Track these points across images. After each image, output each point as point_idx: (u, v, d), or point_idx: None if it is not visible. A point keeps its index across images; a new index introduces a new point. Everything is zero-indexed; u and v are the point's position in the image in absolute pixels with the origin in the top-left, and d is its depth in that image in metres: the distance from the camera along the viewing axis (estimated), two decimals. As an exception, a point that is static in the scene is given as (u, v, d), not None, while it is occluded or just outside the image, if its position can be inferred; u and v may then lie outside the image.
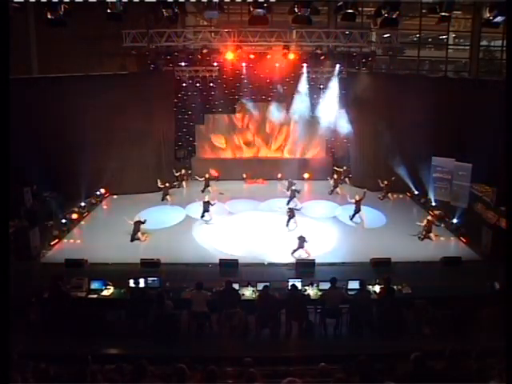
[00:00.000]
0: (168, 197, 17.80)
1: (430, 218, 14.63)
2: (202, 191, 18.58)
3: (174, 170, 19.57)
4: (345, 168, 19.93)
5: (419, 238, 14.06)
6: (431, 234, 14.08)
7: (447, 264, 12.21)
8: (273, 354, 8.17)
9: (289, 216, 14.78)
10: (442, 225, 14.99)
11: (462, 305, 8.90)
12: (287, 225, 14.71)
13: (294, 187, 17.41)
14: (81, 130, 16.92)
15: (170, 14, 10.81)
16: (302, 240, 12.63)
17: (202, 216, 15.66)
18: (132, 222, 13.95)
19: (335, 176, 19.21)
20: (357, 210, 15.47)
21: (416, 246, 13.63)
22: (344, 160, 21.25)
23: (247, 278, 10.47)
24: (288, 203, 16.32)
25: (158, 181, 17.91)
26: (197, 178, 19.40)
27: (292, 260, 12.35)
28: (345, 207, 16.45)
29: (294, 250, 12.64)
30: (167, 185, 18.01)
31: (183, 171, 19.99)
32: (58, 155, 16.59)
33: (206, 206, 15.55)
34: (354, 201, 15.53)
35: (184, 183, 19.92)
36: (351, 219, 15.58)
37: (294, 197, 16.96)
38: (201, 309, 8.79)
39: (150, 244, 13.77)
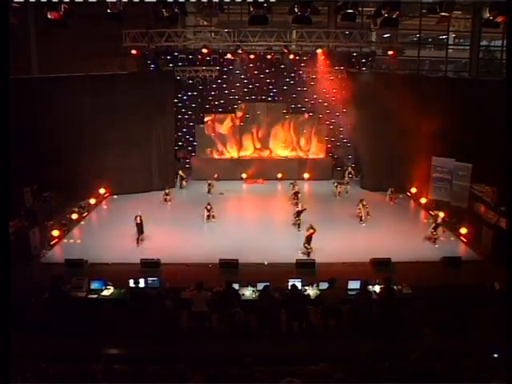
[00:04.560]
0: (168, 197, 17.83)
1: (438, 221, 14.48)
2: (208, 192, 18.62)
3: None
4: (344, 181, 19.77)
5: (431, 239, 14.02)
6: (436, 233, 14.06)
7: (447, 264, 12.22)
8: (273, 353, 8.17)
9: (296, 219, 14.80)
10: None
11: (461, 305, 8.91)
12: (299, 228, 14.60)
13: (296, 189, 17.42)
14: (81, 129, 16.93)
15: (170, 13, 10.82)
16: (310, 232, 12.79)
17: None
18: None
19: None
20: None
21: (416, 246, 13.63)
22: (344, 160, 21.29)
23: (247, 278, 10.47)
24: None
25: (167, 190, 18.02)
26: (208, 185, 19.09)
27: (292, 260, 12.34)
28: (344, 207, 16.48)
29: (306, 242, 12.80)
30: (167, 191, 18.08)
31: (180, 172, 20.05)
32: (58, 155, 16.57)
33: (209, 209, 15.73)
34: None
35: (184, 183, 19.93)
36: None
37: (297, 199, 16.96)
38: (201, 309, 8.78)
39: (149, 244, 13.77)
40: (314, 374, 6.23)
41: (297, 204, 15.96)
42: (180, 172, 20.11)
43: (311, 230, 12.94)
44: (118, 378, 5.77)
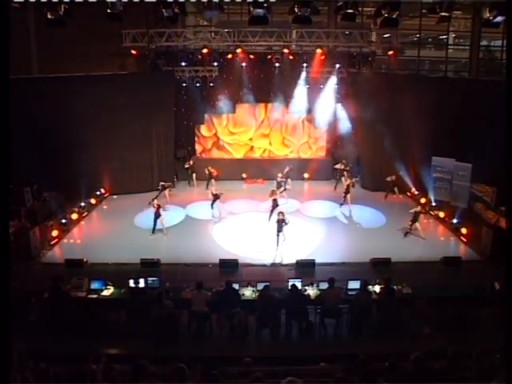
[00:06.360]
0: (167, 194, 17.72)
1: (418, 208, 14.53)
2: (207, 188, 18.59)
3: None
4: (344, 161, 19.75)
5: (406, 232, 14.15)
6: (417, 224, 14.09)
7: (447, 264, 12.22)
8: (273, 353, 8.18)
9: (272, 206, 14.75)
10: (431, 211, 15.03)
11: (462, 305, 8.91)
12: (270, 216, 14.57)
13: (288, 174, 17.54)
14: (81, 130, 16.90)
15: (170, 13, 10.80)
16: (280, 221, 12.65)
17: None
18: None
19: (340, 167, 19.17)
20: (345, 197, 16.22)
21: (416, 246, 13.63)
22: (343, 160, 21.26)
23: (247, 278, 10.47)
24: (279, 188, 16.53)
25: (162, 183, 17.77)
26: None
27: (292, 260, 12.34)
28: (344, 207, 16.49)
29: (278, 232, 12.70)
30: (169, 185, 17.95)
31: (191, 162, 19.97)
32: (58, 155, 16.55)
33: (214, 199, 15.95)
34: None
35: (194, 178, 19.78)
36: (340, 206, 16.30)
37: (286, 183, 17.10)
38: (201, 309, 8.79)
39: (149, 244, 13.77)
40: (314, 374, 6.23)
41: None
42: (190, 162, 19.94)
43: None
44: (118, 378, 5.77)
